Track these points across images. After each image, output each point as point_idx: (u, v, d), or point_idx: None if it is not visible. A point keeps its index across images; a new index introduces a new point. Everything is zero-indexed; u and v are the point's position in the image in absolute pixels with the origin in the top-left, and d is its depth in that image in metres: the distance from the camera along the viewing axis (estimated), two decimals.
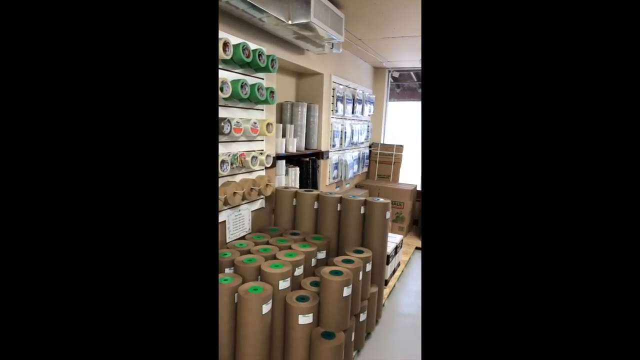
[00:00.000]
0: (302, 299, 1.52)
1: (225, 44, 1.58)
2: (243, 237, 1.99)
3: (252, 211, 2.09)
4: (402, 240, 2.94)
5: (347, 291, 1.55)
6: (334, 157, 3.19)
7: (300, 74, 2.90)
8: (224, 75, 1.70)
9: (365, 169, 4.09)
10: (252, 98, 1.84)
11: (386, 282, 2.52)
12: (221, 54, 1.55)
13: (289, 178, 2.58)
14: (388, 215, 2.00)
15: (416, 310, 2.41)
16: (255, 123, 1.89)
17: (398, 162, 4.02)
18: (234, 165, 1.84)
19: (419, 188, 3.94)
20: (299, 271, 1.68)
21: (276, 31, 1.95)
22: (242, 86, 1.71)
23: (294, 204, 2.17)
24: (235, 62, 1.74)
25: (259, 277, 1.58)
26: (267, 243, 1.90)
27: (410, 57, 3.50)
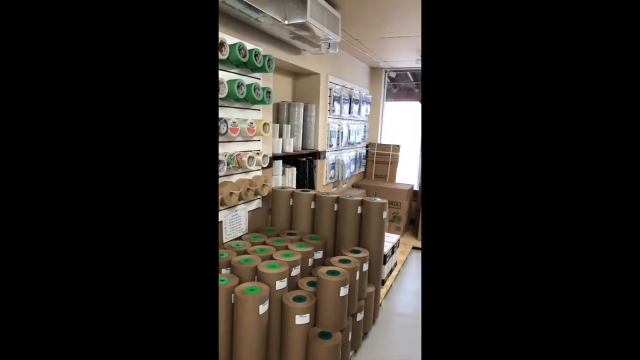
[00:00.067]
0: (299, 299, 1.52)
1: (222, 44, 1.58)
2: (240, 238, 1.98)
3: (248, 211, 2.08)
4: (399, 240, 2.95)
5: (344, 291, 1.55)
6: (330, 157, 3.19)
7: (297, 74, 2.90)
8: (220, 75, 1.69)
9: (362, 169, 4.09)
10: (248, 98, 1.83)
11: (383, 282, 2.52)
12: None
13: (286, 178, 2.58)
14: (385, 215, 2.00)
15: (413, 310, 2.41)
16: (251, 123, 1.89)
17: (395, 162, 4.03)
18: (231, 166, 1.84)
19: (415, 188, 3.96)
20: (295, 271, 1.68)
21: (272, 31, 1.94)
22: (238, 86, 1.71)
23: (291, 204, 2.16)
24: (231, 62, 1.73)
25: (256, 277, 1.58)
26: (264, 243, 1.90)
27: (406, 57, 3.51)
